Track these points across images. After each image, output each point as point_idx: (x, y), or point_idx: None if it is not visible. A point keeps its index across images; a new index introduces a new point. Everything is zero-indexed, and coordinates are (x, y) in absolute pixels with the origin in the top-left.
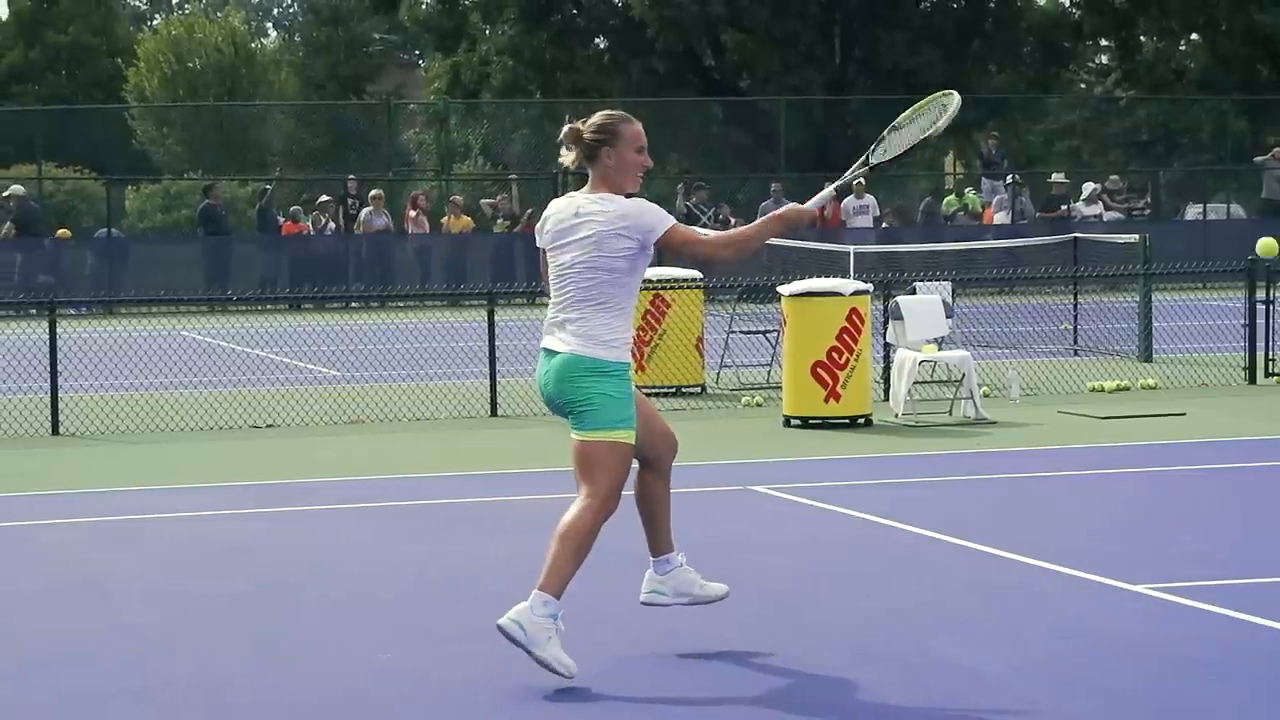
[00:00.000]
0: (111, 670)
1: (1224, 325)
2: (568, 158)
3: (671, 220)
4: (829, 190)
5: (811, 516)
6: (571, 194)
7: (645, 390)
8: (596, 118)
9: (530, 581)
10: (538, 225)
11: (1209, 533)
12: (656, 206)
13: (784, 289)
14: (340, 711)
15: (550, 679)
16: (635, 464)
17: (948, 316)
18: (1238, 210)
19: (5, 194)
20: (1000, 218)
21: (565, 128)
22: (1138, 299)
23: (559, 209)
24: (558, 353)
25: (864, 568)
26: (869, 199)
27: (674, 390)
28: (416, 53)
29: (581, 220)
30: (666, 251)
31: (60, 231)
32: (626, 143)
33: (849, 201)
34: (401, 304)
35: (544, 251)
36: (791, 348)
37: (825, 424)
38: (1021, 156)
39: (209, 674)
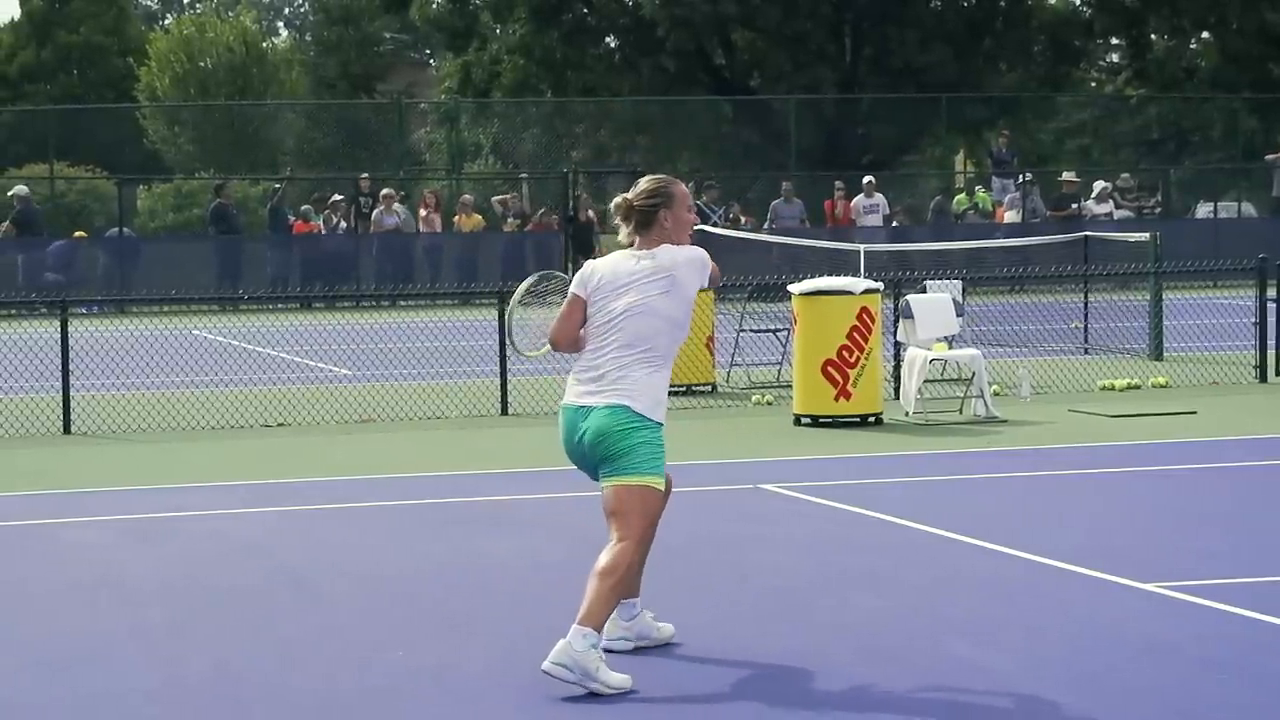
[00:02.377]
0: (126, 668)
1: (1235, 324)
2: (623, 233)
3: (709, 269)
4: None
5: (822, 515)
6: (616, 253)
7: None
8: (644, 184)
9: (543, 580)
10: (579, 276)
11: (1220, 531)
12: (706, 257)
13: (794, 287)
14: (354, 708)
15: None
16: None
17: (958, 315)
18: (1249, 209)
19: (10, 194)
20: (1011, 216)
21: (614, 202)
22: (1148, 297)
23: (612, 261)
24: (593, 408)
25: (874, 565)
26: (879, 198)
27: (685, 389)
28: (427, 52)
29: (645, 268)
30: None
31: (77, 234)
32: (679, 202)
33: (859, 200)
34: (412, 303)
35: (578, 302)
36: (802, 346)
37: (836, 422)
38: (1032, 155)
39: (223, 672)
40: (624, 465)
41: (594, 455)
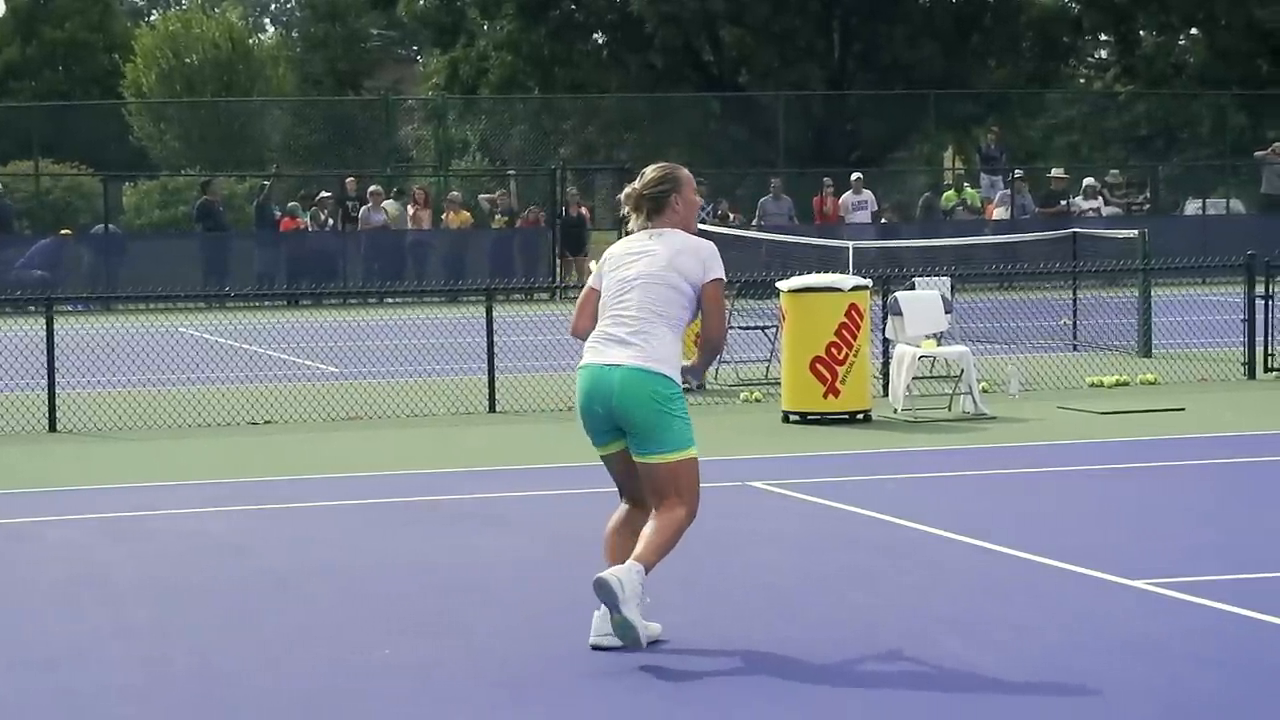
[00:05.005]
0: (109, 666)
1: (1223, 320)
2: (635, 221)
3: (723, 276)
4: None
5: (810, 512)
6: (630, 236)
7: None
8: (650, 173)
9: (529, 578)
10: (596, 268)
11: (1208, 528)
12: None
13: (783, 284)
14: (339, 708)
15: (545, 675)
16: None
17: (947, 312)
18: (1237, 205)
19: None
20: (1000, 213)
21: (623, 193)
22: (1137, 294)
23: (624, 242)
24: (619, 366)
25: (863, 563)
26: (867, 194)
27: None
28: (414, 48)
29: (657, 243)
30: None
31: (63, 231)
32: (687, 185)
33: (848, 197)
34: (400, 300)
35: (592, 293)
36: (790, 343)
37: (824, 419)
38: (1021, 152)
39: (207, 670)
40: (665, 442)
41: (621, 418)
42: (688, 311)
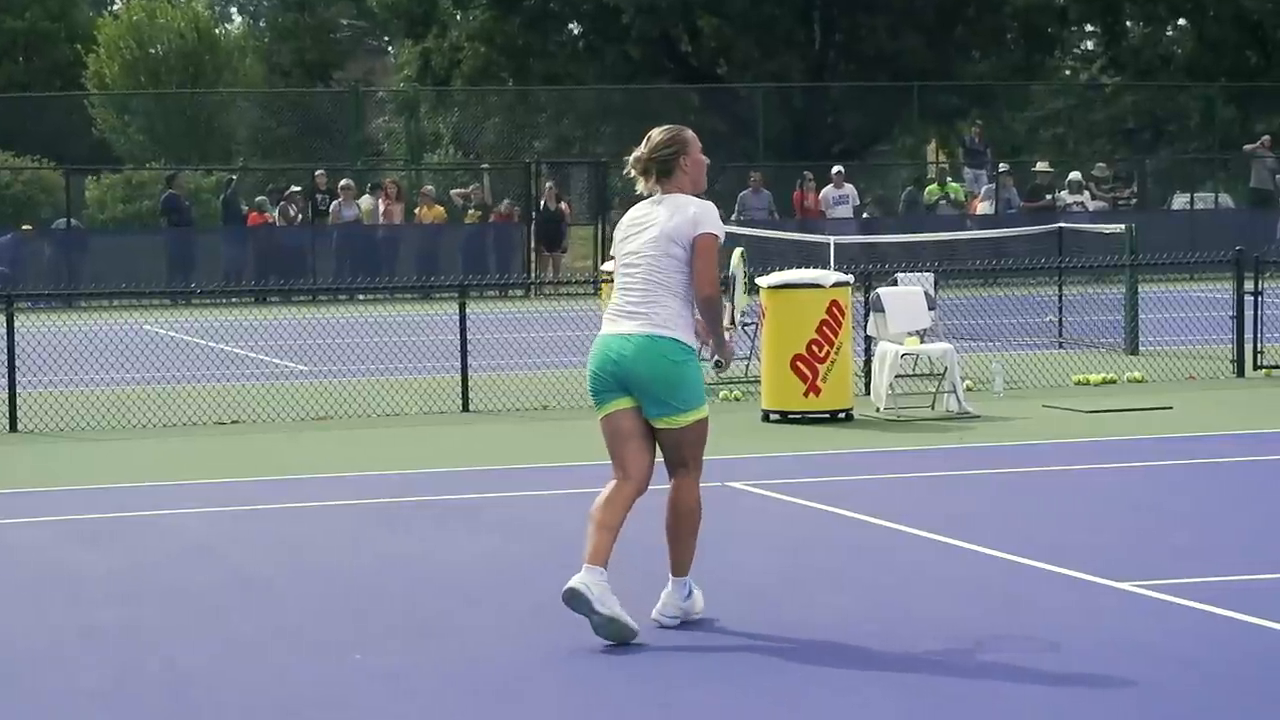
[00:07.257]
0: (76, 669)
1: (1211, 317)
2: (645, 184)
3: (715, 231)
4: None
5: (790, 513)
6: (638, 204)
7: None
8: (657, 136)
9: (504, 580)
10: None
11: (1196, 528)
12: (717, 214)
13: (763, 280)
14: (310, 711)
15: (521, 677)
16: (615, 479)
17: (930, 308)
18: (1225, 200)
19: None
20: (984, 208)
21: (632, 157)
22: (1124, 290)
23: (635, 211)
24: (629, 336)
25: (843, 564)
26: (849, 188)
27: None
28: (385, 39)
29: (657, 210)
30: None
31: (24, 226)
32: (693, 145)
33: (828, 191)
34: (371, 297)
35: (616, 261)
36: (770, 340)
37: (805, 418)
38: (1005, 145)
39: (174, 673)
40: (685, 404)
41: (634, 382)
42: (689, 275)
